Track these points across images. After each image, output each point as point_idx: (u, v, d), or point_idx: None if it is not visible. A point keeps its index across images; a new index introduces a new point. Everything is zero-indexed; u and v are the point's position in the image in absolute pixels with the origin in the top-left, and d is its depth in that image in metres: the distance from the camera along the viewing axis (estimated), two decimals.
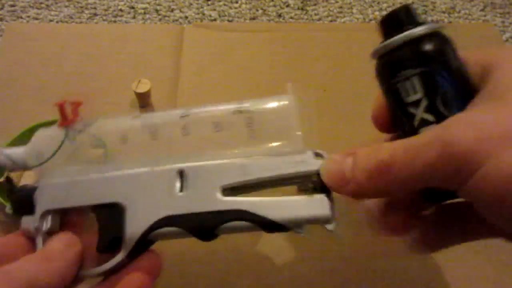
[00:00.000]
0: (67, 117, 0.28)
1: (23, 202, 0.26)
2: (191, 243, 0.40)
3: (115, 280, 0.24)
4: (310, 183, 0.25)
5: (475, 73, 0.23)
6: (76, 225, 0.28)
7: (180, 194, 0.25)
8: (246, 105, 0.27)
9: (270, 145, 0.27)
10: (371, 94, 0.51)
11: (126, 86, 0.46)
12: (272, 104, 0.27)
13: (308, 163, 0.25)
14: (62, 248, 0.25)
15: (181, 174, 0.26)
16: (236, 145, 0.27)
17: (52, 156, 0.27)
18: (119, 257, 0.25)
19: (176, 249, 0.38)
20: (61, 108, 0.27)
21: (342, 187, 0.23)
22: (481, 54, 0.23)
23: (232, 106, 0.27)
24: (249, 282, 0.37)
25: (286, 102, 0.27)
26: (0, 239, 0.26)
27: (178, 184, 0.25)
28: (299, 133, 0.26)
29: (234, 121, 0.27)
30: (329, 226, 0.25)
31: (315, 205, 0.24)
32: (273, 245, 0.39)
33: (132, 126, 0.28)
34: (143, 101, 0.47)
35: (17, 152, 0.28)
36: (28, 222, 0.26)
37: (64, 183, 0.26)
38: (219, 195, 0.25)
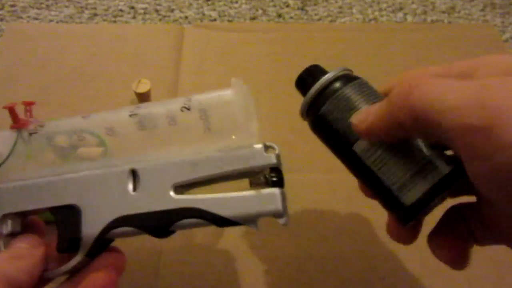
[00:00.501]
0: (18, 119, 0.28)
1: None
2: (191, 243, 0.40)
3: (79, 279, 0.25)
4: (261, 177, 0.26)
5: None
6: (38, 226, 0.29)
7: (133, 194, 0.26)
8: (194, 99, 0.27)
9: (222, 140, 0.26)
10: None
11: (126, 86, 0.46)
12: (218, 99, 0.27)
13: (258, 158, 0.25)
14: (28, 248, 0.25)
15: (134, 174, 0.26)
16: (192, 140, 0.27)
17: (5, 160, 0.27)
18: (78, 257, 0.25)
19: (176, 249, 0.39)
20: (11, 110, 0.27)
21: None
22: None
23: (179, 102, 0.27)
24: (249, 282, 0.37)
25: (235, 96, 0.26)
26: None
27: (131, 184, 0.26)
28: (252, 126, 0.26)
29: (181, 117, 0.27)
30: (281, 220, 0.25)
31: (267, 200, 0.24)
32: (273, 245, 0.39)
33: (82, 126, 0.28)
34: (143, 101, 0.47)
35: None
36: None
37: (20, 186, 0.27)
38: (171, 194, 0.25)
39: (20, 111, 0.28)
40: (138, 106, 0.27)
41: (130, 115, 0.27)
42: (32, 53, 0.52)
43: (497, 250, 0.39)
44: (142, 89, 0.45)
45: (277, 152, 0.26)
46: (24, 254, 0.25)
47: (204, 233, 0.39)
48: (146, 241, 0.39)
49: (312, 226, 0.40)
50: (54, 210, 0.26)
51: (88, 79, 0.50)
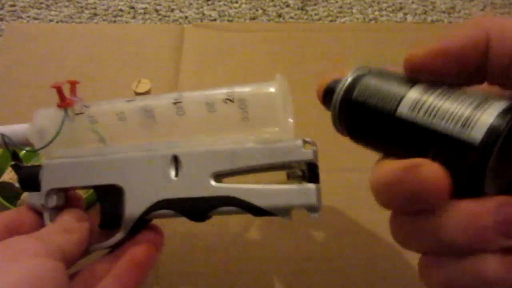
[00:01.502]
0: (65, 98, 0.29)
1: (30, 180, 0.28)
2: (191, 243, 0.40)
3: (120, 252, 0.27)
4: (299, 171, 0.27)
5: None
6: (78, 200, 0.30)
7: (175, 179, 0.27)
8: (236, 90, 0.28)
9: (261, 131, 0.27)
10: None
11: (126, 86, 0.46)
12: (260, 91, 0.28)
13: (297, 152, 0.26)
14: (76, 221, 0.27)
15: (176, 159, 0.27)
16: (226, 131, 0.28)
17: (55, 137, 0.28)
18: (120, 234, 0.27)
19: (176, 249, 0.39)
20: (59, 89, 0.28)
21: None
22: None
23: (222, 92, 0.28)
24: (249, 282, 0.37)
25: (276, 90, 0.27)
26: (11, 212, 0.28)
27: (173, 170, 0.27)
28: (290, 120, 0.27)
29: (224, 108, 0.27)
30: (315, 215, 0.25)
31: (303, 194, 0.25)
32: (273, 245, 0.39)
33: (128, 107, 0.29)
34: None
35: (19, 129, 0.29)
36: (34, 198, 0.28)
37: (66, 164, 0.28)
38: (211, 181, 0.26)
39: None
40: (181, 94, 0.28)
41: (174, 103, 0.28)
42: (32, 53, 0.51)
43: None
44: (142, 89, 0.45)
45: (314, 148, 0.26)
46: (74, 228, 0.26)
47: (204, 233, 0.39)
48: None
49: (312, 226, 0.40)
50: (98, 188, 0.28)
51: (88, 79, 0.50)
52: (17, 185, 0.39)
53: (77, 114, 0.29)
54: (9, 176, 0.39)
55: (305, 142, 0.26)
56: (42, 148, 0.28)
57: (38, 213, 0.28)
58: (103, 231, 0.28)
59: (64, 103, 0.29)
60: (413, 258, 0.39)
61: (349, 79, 0.24)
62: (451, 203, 0.18)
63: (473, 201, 0.17)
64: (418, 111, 0.19)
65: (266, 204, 0.26)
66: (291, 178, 0.27)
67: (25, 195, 0.38)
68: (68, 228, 0.26)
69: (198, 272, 0.38)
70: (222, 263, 0.38)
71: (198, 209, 0.26)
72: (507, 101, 0.17)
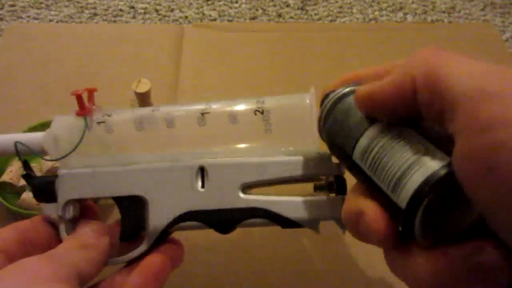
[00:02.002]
0: (85, 106, 0.28)
1: (45, 190, 0.27)
2: (191, 243, 0.40)
3: (136, 264, 0.25)
4: (327, 183, 0.27)
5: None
6: (93, 211, 0.29)
7: (202, 190, 0.26)
8: (266, 102, 0.27)
9: (287, 143, 0.27)
10: None
11: (126, 86, 0.46)
12: (292, 104, 0.27)
13: (324, 166, 0.26)
14: (95, 236, 0.25)
15: (202, 170, 0.27)
16: (252, 142, 0.27)
17: (76, 147, 0.27)
18: (143, 247, 0.26)
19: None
20: (79, 97, 0.27)
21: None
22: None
23: (251, 104, 0.27)
24: (249, 282, 0.37)
25: (307, 102, 0.27)
26: (24, 222, 0.26)
27: (199, 181, 0.26)
28: (317, 134, 0.26)
29: (252, 119, 0.27)
30: (344, 228, 0.25)
31: (331, 206, 0.26)
32: (273, 245, 0.39)
33: (151, 117, 0.28)
34: (143, 101, 0.47)
35: (34, 137, 0.28)
36: (50, 209, 0.27)
37: (86, 174, 0.27)
38: (239, 193, 0.26)
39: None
40: (209, 104, 0.28)
41: (202, 113, 0.27)
42: (32, 53, 0.51)
43: None
44: (142, 89, 0.45)
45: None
46: (92, 243, 0.25)
47: (204, 233, 0.39)
48: None
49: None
50: (119, 199, 0.27)
51: (88, 79, 0.50)
52: (18, 184, 0.39)
53: (98, 123, 0.28)
54: (9, 176, 0.39)
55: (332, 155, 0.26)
56: (63, 157, 0.27)
57: (53, 224, 0.27)
58: (123, 243, 0.27)
59: (84, 111, 0.28)
60: None
61: (328, 105, 0.25)
62: (401, 247, 0.20)
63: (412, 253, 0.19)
64: (366, 162, 0.21)
65: (295, 216, 0.25)
66: (318, 189, 0.27)
67: (25, 195, 0.38)
68: (86, 244, 0.25)
69: (198, 272, 0.38)
70: (222, 263, 0.38)
71: (226, 220, 0.26)
72: (439, 161, 0.18)
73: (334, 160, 0.26)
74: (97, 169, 0.27)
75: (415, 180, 0.18)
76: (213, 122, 0.27)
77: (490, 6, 0.60)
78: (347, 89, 0.24)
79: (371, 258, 0.39)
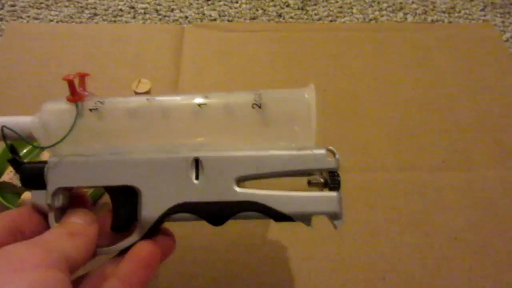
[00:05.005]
0: (77, 91, 0.27)
1: (34, 177, 0.26)
2: (191, 243, 0.40)
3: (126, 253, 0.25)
4: (321, 178, 0.27)
5: None
6: (84, 200, 0.28)
7: (196, 182, 0.26)
8: (264, 96, 0.27)
9: (284, 138, 0.27)
10: (371, 94, 0.52)
11: (126, 86, 0.46)
12: (291, 97, 0.27)
13: (321, 161, 0.26)
14: (84, 224, 0.25)
15: (197, 162, 0.26)
16: (249, 135, 0.27)
17: (67, 134, 0.26)
18: (134, 237, 0.26)
19: (176, 249, 0.39)
20: (70, 82, 0.26)
21: None
22: None
23: (250, 97, 0.27)
24: (249, 282, 0.37)
25: (306, 96, 0.27)
26: (13, 211, 0.26)
27: (194, 172, 0.26)
28: (314, 129, 0.26)
29: (249, 112, 0.27)
30: (337, 222, 0.26)
31: (325, 201, 0.26)
32: (273, 245, 0.39)
33: (145, 106, 0.27)
34: None
35: (22, 122, 0.27)
36: (39, 197, 0.26)
37: (77, 162, 0.26)
38: (234, 186, 0.26)
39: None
40: (206, 96, 0.27)
41: (199, 105, 0.27)
42: (32, 53, 0.51)
43: (497, 250, 0.40)
44: (142, 89, 0.45)
45: (337, 156, 0.27)
46: (80, 231, 0.25)
47: (203, 233, 0.39)
48: None
49: (312, 226, 0.40)
50: (111, 189, 0.27)
51: (88, 79, 0.50)
52: (18, 184, 0.39)
53: (90, 110, 0.27)
54: (9, 176, 0.39)
55: (328, 150, 0.27)
56: (54, 145, 0.26)
57: (42, 213, 0.26)
58: (114, 233, 0.27)
59: (75, 97, 0.27)
60: (413, 258, 0.39)
61: None
62: None
63: None
64: None
65: (288, 211, 0.26)
66: (312, 185, 0.27)
67: (26, 195, 0.38)
68: (74, 231, 0.24)
69: (198, 272, 0.37)
70: (222, 263, 0.38)
71: (219, 213, 0.26)
72: None
73: (330, 156, 0.26)
74: (90, 158, 0.26)
75: None
76: (210, 114, 0.27)
77: (490, 6, 0.60)
78: None
79: (371, 258, 0.39)
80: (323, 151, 0.26)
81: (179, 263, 0.38)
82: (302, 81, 0.50)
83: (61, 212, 0.26)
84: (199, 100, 0.27)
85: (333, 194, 0.26)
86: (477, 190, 0.43)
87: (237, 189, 0.26)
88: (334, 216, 0.26)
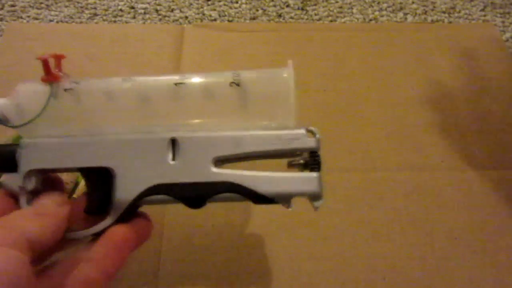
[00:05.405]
0: (51, 72, 0.26)
1: (5, 159, 0.26)
2: (191, 243, 0.40)
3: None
4: (301, 159, 0.26)
5: None
6: (58, 183, 0.28)
7: (173, 163, 0.25)
8: (243, 75, 0.27)
9: (263, 118, 0.27)
10: (371, 94, 0.52)
11: None
12: (269, 77, 0.27)
13: (300, 140, 0.26)
14: (53, 205, 0.24)
15: (174, 143, 0.26)
16: (228, 116, 0.27)
17: (39, 115, 0.25)
18: (108, 220, 0.25)
19: (176, 249, 0.39)
20: (45, 62, 0.26)
21: None
22: None
23: (228, 76, 0.26)
24: (249, 282, 0.37)
25: (285, 76, 0.27)
26: None
27: (170, 153, 0.26)
28: (293, 108, 0.26)
29: (228, 92, 0.26)
30: (317, 203, 0.25)
31: (305, 182, 0.25)
32: (273, 245, 0.39)
33: (121, 87, 0.27)
34: None
35: None
36: (11, 180, 0.25)
37: (50, 143, 0.26)
38: (211, 167, 0.25)
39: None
40: (183, 75, 0.27)
41: (176, 84, 0.26)
42: (32, 53, 0.51)
43: (497, 250, 0.39)
44: None
45: (317, 136, 0.26)
46: (50, 212, 0.24)
47: (204, 233, 0.39)
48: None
49: (312, 226, 0.40)
50: (86, 171, 0.26)
51: None
52: None
53: (65, 90, 0.26)
54: None
55: (308, 130, 0.26)
56: (23, 125, 0.25)
57: (14, 196, 0.26)
58: (90, 217, 0.26)
59: (50, 77, 0.26)
60: (413, 258, 0.39)
61: None
62: None
63: None
64: None
65: (268, 191, 0.25)
66: (292, 166, 0.27)
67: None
68: (42, 212, 0.24)
69: (198, 272, 0.37)
70: (222, 263, 0.38)
71: (196, 194, 0.25)
72: None
73: (310, 135, 0.26)
74: (63, 139, 0.26)
75: None
76: (187, 94, 0.26)
77: (490, 6, 0.60)
78: None
79: (371, 258, 0.39)
80: (302, 131, 0.26)
81: (179, 263, 0.38)
82: (302, 81, 0.50)
83: (34, 196, 0.26)
84: (176, 78, 0.26)
85: (314, 174, 0.25)
86: (477, 190, 0.43)
87: (214, 169, 0.25)
88: (314, 197, 0.25)
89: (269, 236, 0.39)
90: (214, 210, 0.40)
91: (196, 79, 0.27)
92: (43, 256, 0.24)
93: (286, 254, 0.39)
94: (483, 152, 0.46)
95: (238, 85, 0.26)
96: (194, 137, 0.26)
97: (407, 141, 0.46)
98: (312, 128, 0.26)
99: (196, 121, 0.27)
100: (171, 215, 0.40)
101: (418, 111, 0.48)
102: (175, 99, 0.26)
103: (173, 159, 0.26)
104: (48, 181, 0.27)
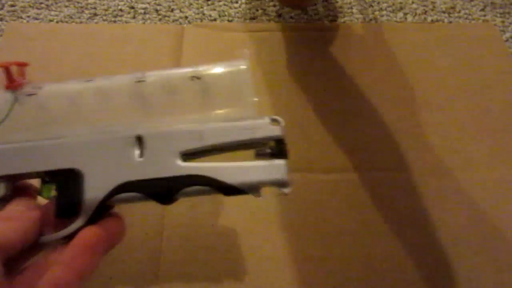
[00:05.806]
0: (13, 78, 0.27)
1: None
2: (191, 243, 0.40)
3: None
4: (267, 149, 0.26)
5: None
6: (29, 190, 0.28)
7: (139, 160, 0.26)
8: (202, 69, 0.27)
9: (225, 110, 0.27)
10: (371, 94, 0.52)
11: None
12: (228, 69, 0.28)
13: (264, 129, 0.26)
14: (22, 210, 0.25)
15: (139, 140, 0.26)
16: (190, 110, 0.27)
17: (2, 121, 0.26)
18: (79, 222, 0.25)
19: (176, 248, 0.38)
20: (7, 70, 0.26)
21: None
22: None
23: (188, 71, 0.27)
24: (249, 282, 0.37)
25: (243, 67, 0.27)
26: None
27: (137, 150, 0.26)
28: (255, 99, 0.27)
29: (189, 86, 0.27)
30: (286, 190, 0.25)
31: (272, 170, 0.25)
32: (273, 245, 0.39)
33: (84, 89, 0.27)
34: None
35: None
36: None
37: (15, 149, 0.26)
38: (178, 161, 0.25)
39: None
40: (144, 73, 0.27)
41: (137, 81, 0.27)
42: (32, 53, 0.51)
43: (497, 250, 0.40)
44: None
45: (282, 124, 0.26)
46: (18, 216, 0.24)
47: (204, 233, 0.39)
48: (147, 240, 0.39)
49: (312, 226, 0.40)
50: (53, 173, 0.26)
51: None
52: None
53: (28, 95, 0.26)
54: None
55: (272, 120, 0.26)
56: None
57: None
58: (61, 221, 0.25)
59: (12, 84, 0.26)
60: (413, 258, 0.39)
61: None
62: None
63: None
64: None
65: (235, 182, 0.25)
66: (259, 156, 0.27)
67: None
68: (11, 216, 0.24)
69: (198, 272, 0.37)
70: (222, 263, 0.38)
71: (164, 189, 0.25)
72: None
73: (274, 123, 0.26)
74: (27, 144, 0.26)
75: None
76: (149, 91, 0.27)
77: (490, 6, 0.60)
78: None
79: (371, 258, 0.39)
80: (265, 120, 0.26)
81: (179, 263, 0.38)
82: (302, 81, 0.50)
83: (3, 204, 0.25)
84: (137, 76, 0.27)
85: (280, 162, 0.26)
86: (477, 190, 0.43)
87: (181, 163, 0.25)
88: (282, 185, 0.25)
89: (269, 236, 0.39)
90: (214, 210, 0.40)
91: (157, 76, 0.27)
92: (18, 261, 0.24)
93: (286, 254, 0.39)
94: (483, 152, 0.46)
95: (198, 78, 0.27)
96: (158, 132, 0.26)
97: (407, 141, 0.46)
98: (276, 117, 0.27)
99: (160, 117, 0.27)
100: (171, 215, 0.40)
101: (418, 111, 0.48)
102: (137, 96, 0.27)
103: (141, 156, 0.26)
104: (18, 189, 0.27)
